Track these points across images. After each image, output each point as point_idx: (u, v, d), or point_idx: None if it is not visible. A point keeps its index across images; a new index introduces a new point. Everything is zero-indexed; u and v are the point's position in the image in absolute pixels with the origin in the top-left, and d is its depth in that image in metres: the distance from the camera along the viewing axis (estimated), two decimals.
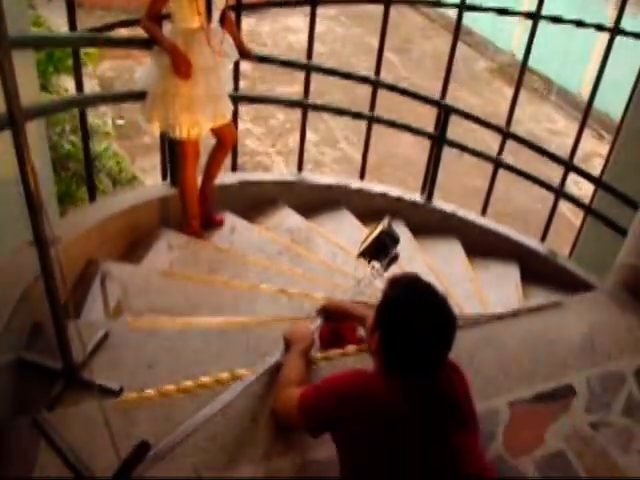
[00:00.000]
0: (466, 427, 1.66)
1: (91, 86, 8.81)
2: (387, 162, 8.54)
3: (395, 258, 2.46)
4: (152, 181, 7.44)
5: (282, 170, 8.32)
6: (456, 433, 1.62)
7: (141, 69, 3.43)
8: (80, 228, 3.32)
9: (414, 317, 1.59)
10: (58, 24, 7.19)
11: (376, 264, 2.47)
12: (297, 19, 12.64)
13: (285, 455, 1.91)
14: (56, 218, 3.71)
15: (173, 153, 3.79)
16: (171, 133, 3.39)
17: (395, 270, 2.33)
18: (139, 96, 3.43)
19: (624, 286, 2.79)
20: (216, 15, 3.25)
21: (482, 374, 2.24)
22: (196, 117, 3.32)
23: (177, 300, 3.11)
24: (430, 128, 4.81)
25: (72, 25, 3.33)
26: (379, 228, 2.49)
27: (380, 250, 2.46)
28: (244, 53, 3.60)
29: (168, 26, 3.32)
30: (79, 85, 3.47)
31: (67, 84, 6.17)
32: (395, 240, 2.48)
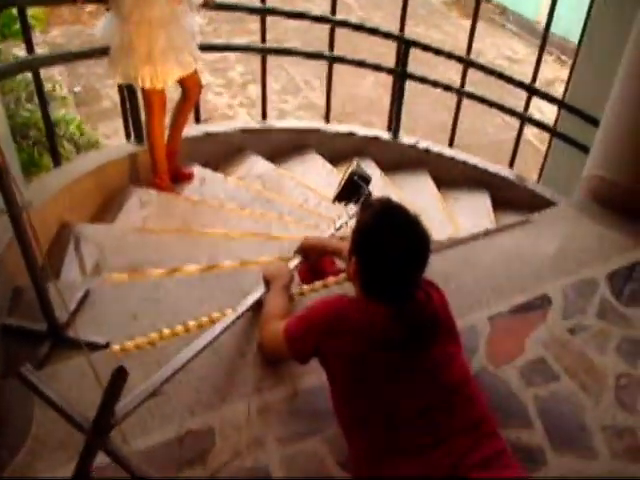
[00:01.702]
0: (447, 338, 1.71)
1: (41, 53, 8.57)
2: (350, 105, 8.48)
3: (368, 196, 2.48)
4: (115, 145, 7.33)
5: (246, 119, 8.23)
6: (438, 346, 1.67)
7: (100, 23, 3.36)
8: (49, 192, 3.30)
9: (387, 238, 1.62)
10: None
11: (351, 205, 2.50)
12: None
13: (276, 387, 1.97)
14: (23, 186, 3.65)
15: (134, 110, 3.74)
16: (134, 84, 3.39)
17: None
18: (97, 52, 3.37)
19: (591, 197, 2.86)
20: None
21: (460, 293, 2.29)
22: (157, 68, 3.29)
23: (154, 254, 3.11)
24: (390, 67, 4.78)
25: None
26: (349, 170, 2.51)
27: (353, 191, 2.49)
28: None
29: None
30: (29, 46, 3.38)
31: (16, 51, 5.99)
32: (366, 179, 2.51)
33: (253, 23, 9.04)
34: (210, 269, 2.86)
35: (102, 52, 3.41)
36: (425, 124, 7.74)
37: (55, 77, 7.61)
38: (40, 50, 6.97)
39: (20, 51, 5.22)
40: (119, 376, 1.32)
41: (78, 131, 5.94)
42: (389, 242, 1.61)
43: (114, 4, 3.21)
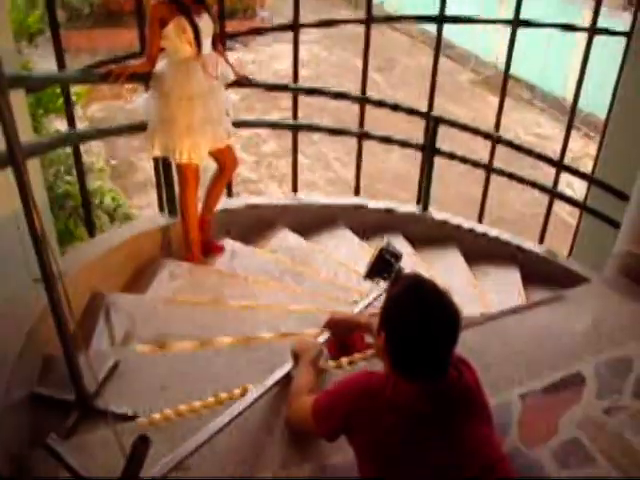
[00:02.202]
0: (480, 418, 1.68)
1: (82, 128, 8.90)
2: (378, 179, 8.60)
3: (399, 273, 2.49)
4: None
5: (277, 193, 8.39)
6: (471, 426, 1.64)
7: (141, 99, 3.52)
8: (83, 262, 3.37)
9: (417, 314, 1.61)
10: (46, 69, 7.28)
11: (382, 282, 2.51)
12: (281, 47, 12.80)
13: (302, 464, 1.93)
14: (58, 256, 3.74)
15: (169, 183, 3.85)
16: (171, 158, 3.51)
17: None
18: (134, 128, 3.51)
19: (623, 273, 2.83)
20: (206, 43, 3.36)
21: (491, 370, 2.26)
22: (196, 140, 3.41)
23: (184, 326, 3.13)
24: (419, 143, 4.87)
25: (61, 65, 3.40)
26: (379, 247, 2.53)
27: (383, 268, 2.50)
28: (238, 76, 3.69)
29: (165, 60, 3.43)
30: (71, 121, 3.53)
31: (58, 125, 6.24)
32: (396, 256, 2.52)
33: (284, 100, 9.35)
34: (239, 342, 2.86)
35: (139, 128, 3.56)
36: (454, 197, 7.81)
37: (92, 149, 7.88)
38: (80, 124, 7.26)
39: (61, 125, 5.45)
40: (142, 445, 1.32)
41: (113, 203, 6.11)
42: (419, 318, 1.60)
43: (155, 82, 3.39)
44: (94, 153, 7.62)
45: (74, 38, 12.99)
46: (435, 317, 1.61)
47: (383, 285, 2.56)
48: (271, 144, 9.66)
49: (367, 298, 2.59)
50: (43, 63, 6.99)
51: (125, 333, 3.09)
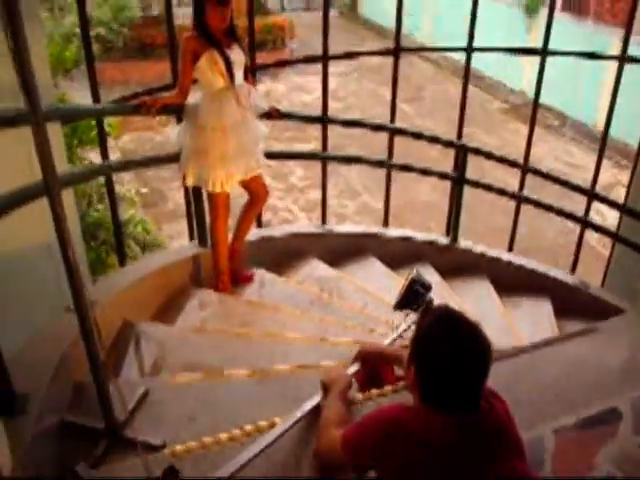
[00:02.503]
0: (512, 452, 1.64)
1: (113, 158, 9.08)
2: (407, 209, 8.60)
3: (429, 304, 2.47)
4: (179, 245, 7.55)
5: (305, 223, 8.42)
6: (503, 460, 1.60)
7: (176, 129, 3.58)
8: (114, 291, 3.40)
9: (447, 346, 1.59)
10: (79, 101, 7.45)
11: (412, 314, 2.49)
12: (310, 78, 12.97)
13: None
14: (90, 284, 3.79)
15: (199, 212, 3.89)
16: (204, 187, 3.55)
17: None
18: (166, 160, 3.57)
19: None
20: (238, 74, 3.42)
21: (523, 403, 2.21)
22: (229, 170, 3.46)
23: (213, 355, 3.13)
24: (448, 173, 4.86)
25: (96, 97, 3.48)
26: (409, 278, 2.52)
27: (413, 299, 2.48)
28: (269, 108, 3.74)
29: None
30: (104, 153, 3.61)
31: (91, 156, 6.37)
32: (426, 287, 2.50)
33: (311, 128, 9.42)
34: (267, 373, 2.85)
35: (170, 159, 3.61)
36: (483, 226, 7.76)
37: (124, 178, 8.02)
38: (112, 154, 7.41)
39: (95, 156, 5.56)
40: (171, 476, 1.32)
41: (144, 232, 6.19)
42: (450, 350, 1.59)
43: (189, 113, 3.45)
44: (125, 182, 7.75)
45: (108, 70, 13.33)
46: (466, 349, 1.59)
47: (413, 317, 2.54)
48: (299, 172, 9.73)
49: (397, 330, 2.57)
50: (78, 95, 7.19)
51: (155, 362, 3.10)
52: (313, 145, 9.58)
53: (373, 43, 16.81)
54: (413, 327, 2.49)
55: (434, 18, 15.85)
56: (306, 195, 9.30)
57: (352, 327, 3.55)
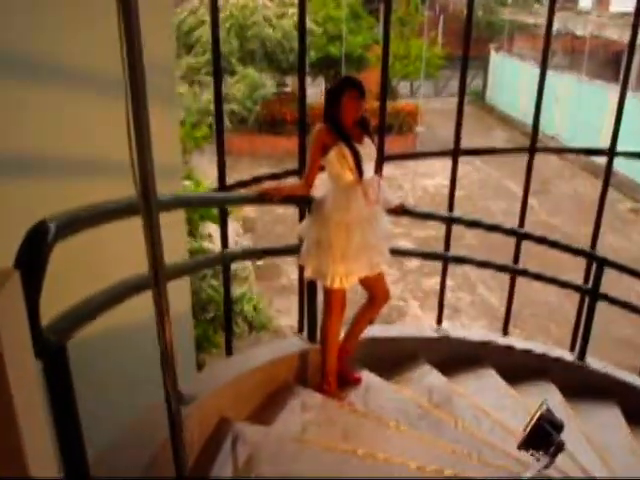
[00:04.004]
0: None
1: (234, 228, 9.27)
2: (527, 308, 8.14)
3: (561, 446, 2.16)
4: (286, 322, 7.49)
5: (417, 313, 8.15)
6: None
7: (302, 223, 3.50)
8: (215, 385, 3.27)
9: None
10: (207, 173, 7.70)
11: (539, 454, 2.18)
12: (430, 162, 12.88)
13: None
14: (192, 371, 3.71)
15: (312, 306, 3.75)
16: (322, 281, 3.41)
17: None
18: (285, 251, 3.50)
19: None
20: (368, 168, 3.29)
21: None
22: (349, 267, 3.31)
23: (309, 469, 2.91)
24: (574, 273, 4.52)
25: (222, 184, 3.48)
26: (537, 414, 2.23)
27: (541, 439, 2.19)
28: (395, 205, 3.61)
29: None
30: (224, 242, 3.56)
31: (211, 230, 6.48)
32: (557, 426, 2.20)
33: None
34: None
35: (290, 251, 3.52)
36: (606, 338, 7.15)
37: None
38: (232, 225, 7.57)
39: (214, 230, 5.60)
40: None
41: (254, 310, 6.15)
42: None
43: (315, 206, 3.35)
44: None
45: (237, 142, 13.86)
46: None
47: (542, 460, 2.23)
48: (415, 260, 9.52)
49: (525, 475, 2.26)
50: (209, 167, 7.42)
51: (247, 466, 2.92)
52: (431, 232, 9.37)
53: (501, 132, 16.60)
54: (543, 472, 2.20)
55: (564, 109, 15.47)
56: (421, 282, 9.05)
57: (464, 456, 3.20)
